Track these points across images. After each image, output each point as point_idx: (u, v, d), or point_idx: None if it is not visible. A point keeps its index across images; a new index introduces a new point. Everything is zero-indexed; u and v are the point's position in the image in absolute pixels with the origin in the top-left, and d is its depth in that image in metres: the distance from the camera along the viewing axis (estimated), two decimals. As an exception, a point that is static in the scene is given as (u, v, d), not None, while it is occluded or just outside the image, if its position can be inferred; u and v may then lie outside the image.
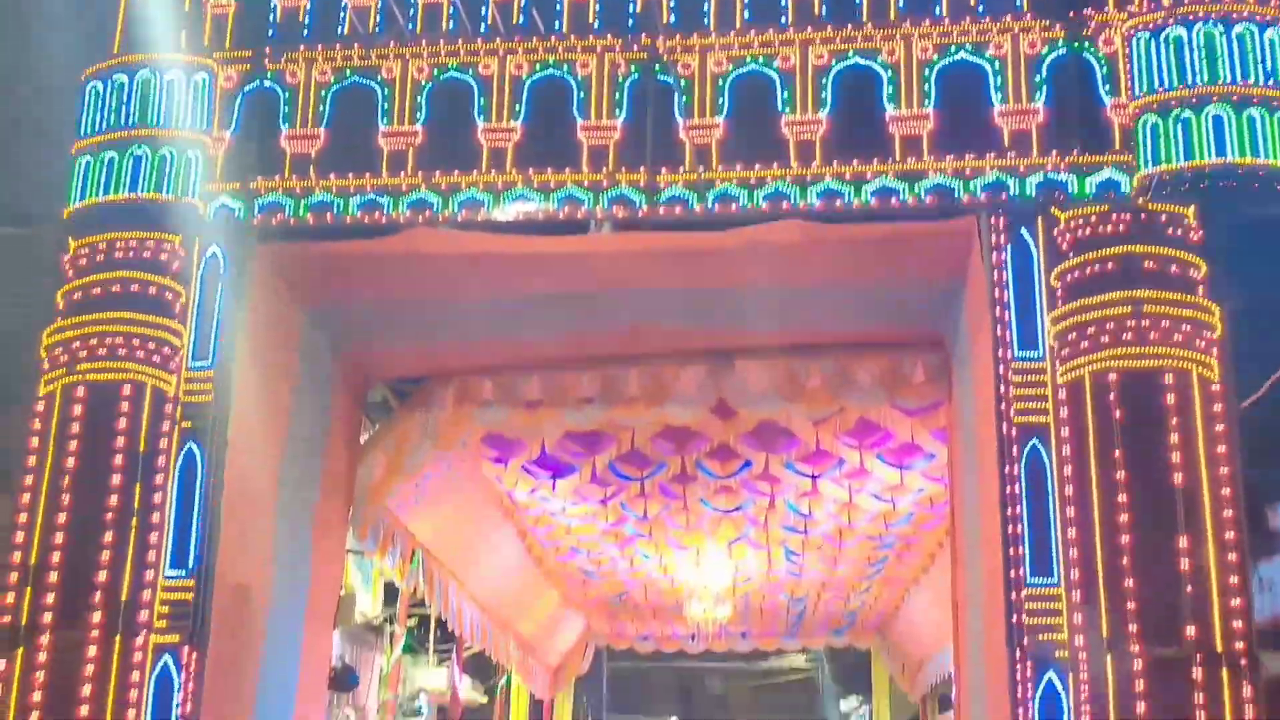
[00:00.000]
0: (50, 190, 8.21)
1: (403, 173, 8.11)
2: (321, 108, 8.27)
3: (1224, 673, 6.73)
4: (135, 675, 7.36)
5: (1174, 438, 7.08)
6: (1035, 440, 7.26)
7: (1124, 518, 6.98)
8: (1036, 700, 6.91)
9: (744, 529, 14.49)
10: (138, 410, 7.73)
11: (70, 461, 7.65)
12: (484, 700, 20.79)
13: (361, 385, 10.50)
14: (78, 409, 7.72)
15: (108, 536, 7.51)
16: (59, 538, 7.53)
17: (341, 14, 8.42)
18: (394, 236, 8.16)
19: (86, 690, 7.30)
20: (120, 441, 7.65)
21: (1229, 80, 7.28)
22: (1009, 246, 7.58)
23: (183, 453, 7.77)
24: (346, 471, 10.14)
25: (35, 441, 7.70)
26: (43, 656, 7.35)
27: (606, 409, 10.35)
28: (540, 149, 8.08)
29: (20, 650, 7.37)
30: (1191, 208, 7.36)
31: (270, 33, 8.44)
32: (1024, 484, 7.23)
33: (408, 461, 10.61)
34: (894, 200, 7.71)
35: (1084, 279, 7.35)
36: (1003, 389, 7.41)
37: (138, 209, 7.93)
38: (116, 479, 7.60)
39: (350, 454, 10.24)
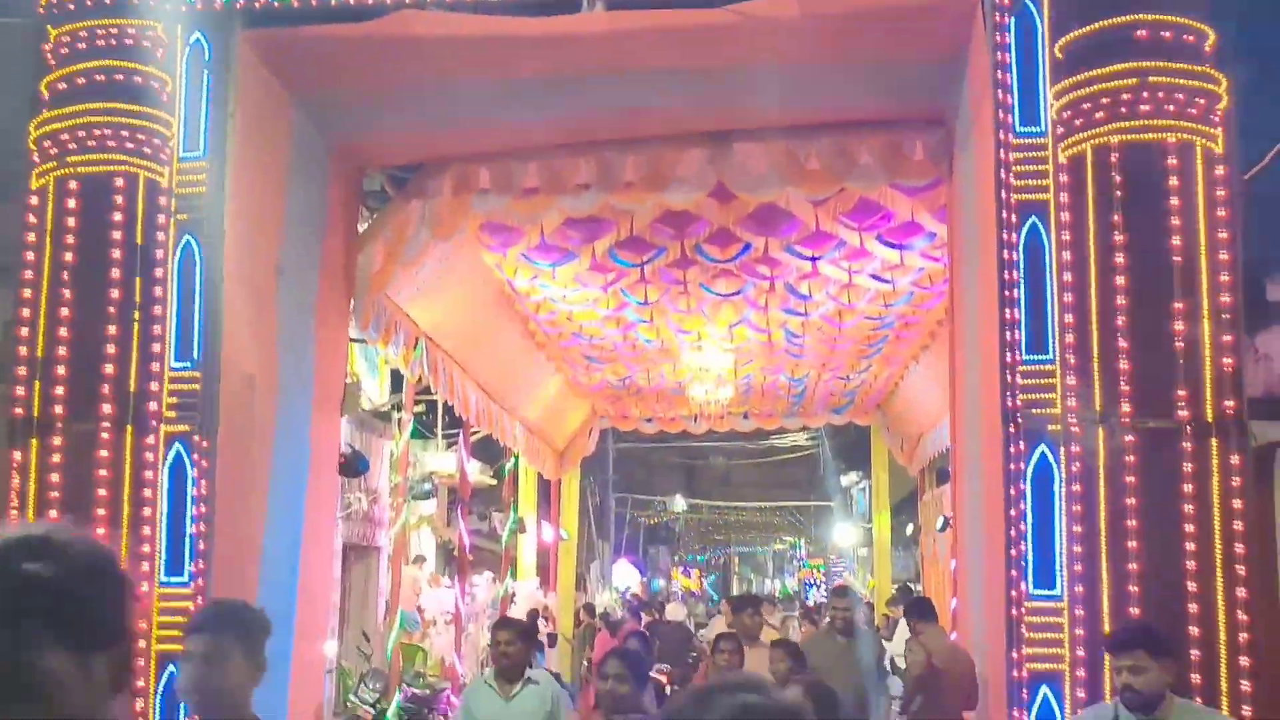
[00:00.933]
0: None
1: (389, -49, 7.84)
2: (299, -123, 7.93)
3: (1213, 442, 6.80)
4: (149, 464, 7.50)
5: (1174, 211, 6.97)
6: (1034, 217, 7.17)
7: (1120, 293, 6.94)
8: (1029, 474, 7.03)
9: (744, 312, 14.58)
10: (132, 202, 7.64)
11: (68, 255, 7.59)
12: (493, 482, 21.35)
13: (357, 173, 10.42)
14: (71, 202, 7.63)
15: (111, 329, 7.51)
16: (63, 331, 7.54)
17: None
18: (382, 19, 7.93)
19: (102, 478, 7.44)
20: (117, 234, 7.58)
21: None
22: (1013, 18, 7.33)
23: (180, 245, 7.73)
24: (345, 261, 10.15)
25: (32, 236, 7.65)
26: (57, 447, 7.46)
27: (604, 194, 10.25)
28: (529, -77, 7.79)
29: (35, 441, 7.49)
30: (1202, -29, 7.10)
31: None
32: (1023, 262, 7.17)
33: (406, 250, 10.58)
34: (895, -30, 7.45)
35: (1089, 49, 7.12)
36: (1003, 166, 7.29)
37: (115, -7, 7.69)
38: (116, 272, 7.56)
39: (349, 243, 10.23)
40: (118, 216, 7.62)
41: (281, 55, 8.40)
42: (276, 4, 7.87)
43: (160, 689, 7.39)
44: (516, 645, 7.61)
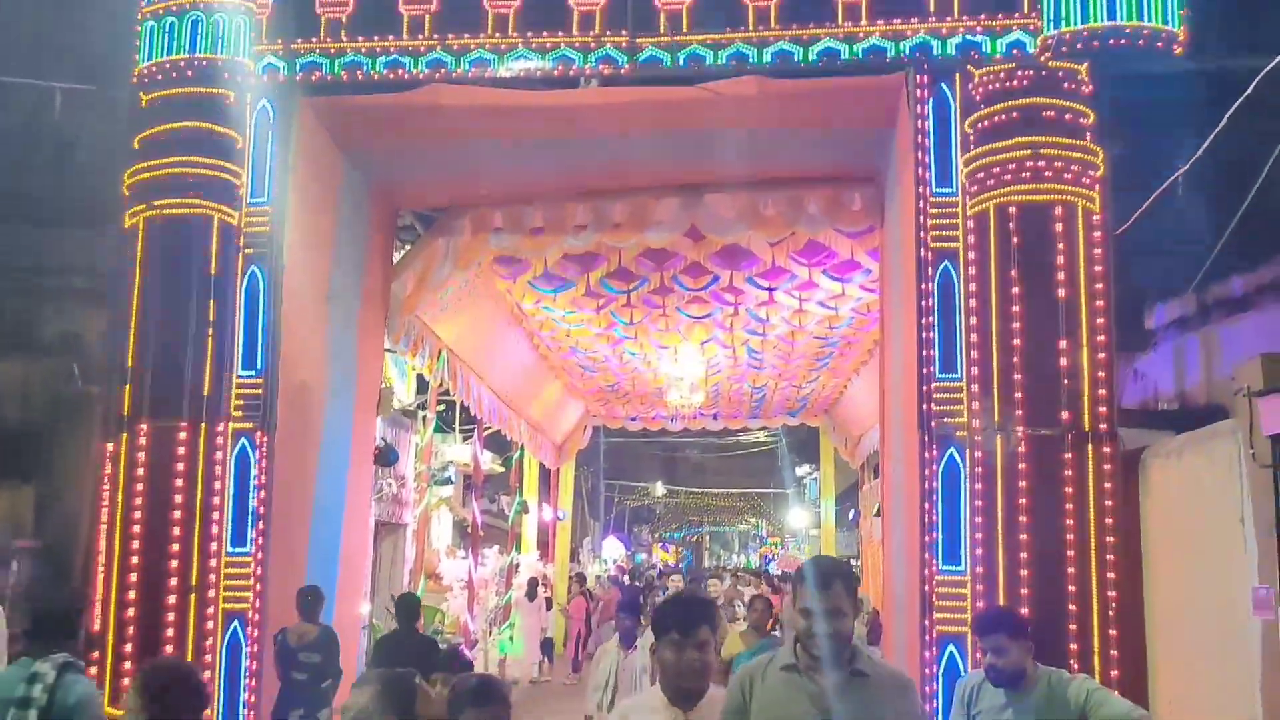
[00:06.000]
0: (123, 53, 8.10)
1: (421, 36, 8.00)
2: (351, -22, 8.11)
3: (1089, 447, 7.04)
4: (219, 455, 7.66)
5: (1060, 259, 7.20)
6: (947, 262, 7.39)
7: (1016, 325, 7.17)
8: (940, 472, 7.23)
9: (713, 331, 14.78)
10: (208, 239, 7.81)
11: (154, 283, 7.77)
12: (502, 470, 21.51)
13: (392, 214, 10.60)
14: (156, 240, 7.82)
15: (190, 343, 7.70)
16: (149, 344, 7.73)
17: (362, -108, 8.18)
18: (415, 91, 8.10)
19: (180, 468, 7.60)
20: (195, 266, 7.78)
21: (1120, -46, 7.17)
22: (931, 98, 7.56)
23: (247, 274, 7.90)
24: (382, 287, 10.33)
25: (124, 266, 7.82)
26: (143, 441, 7.63)
27: (597, 234, 10.46)
28: (537, 15, 7.93)
29: (124, 435, 7.66)
30: (1085, 65, 7.31)
31: (306, -86, 8.20)
32: (937, 297, 7.38)
33: (433, 278, 10.78)
34: (837, 59, 7.66)
35: (992, 126, 7.37)
36: (922, 218, 7.50)
37: (197, 67, 7.88)
38: (194, 296, 7.74)
39: (385, 272, 10.42)
40: (195, 251, 7.81)
41: (334, 118, 8.60)
42: (330, 78, 8.04)
43: (225, 641, 7.60)
44: None
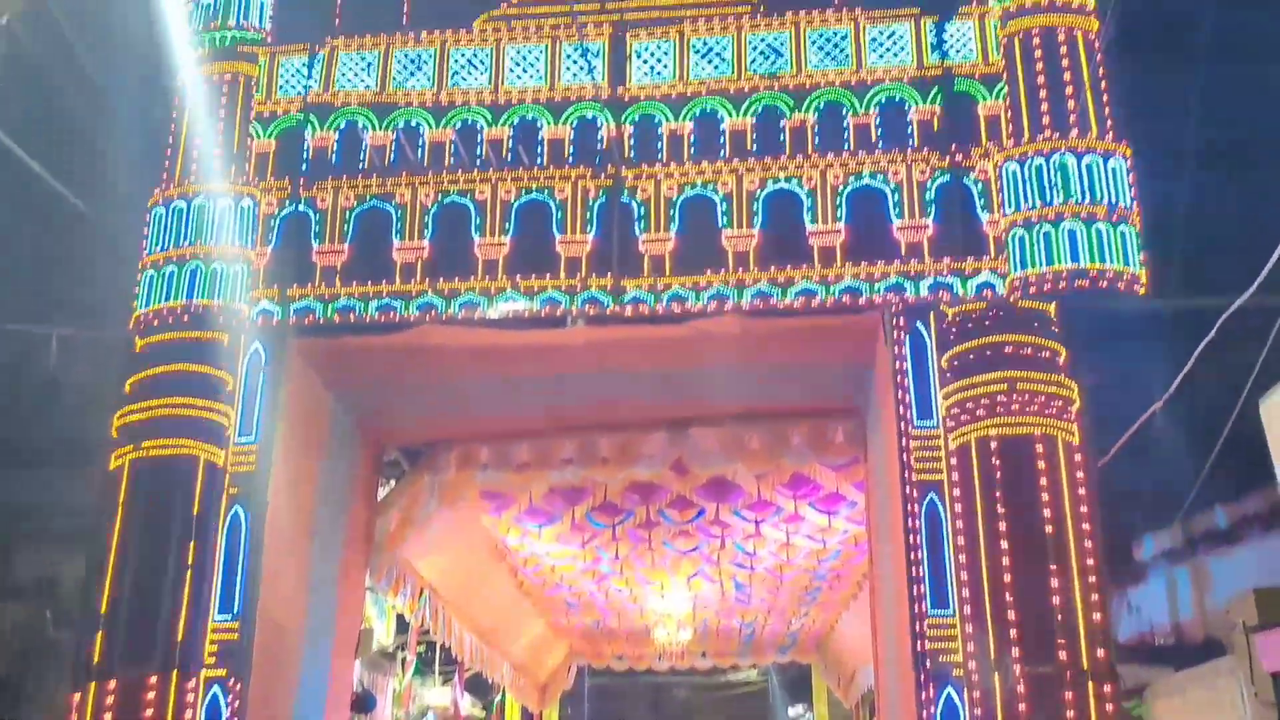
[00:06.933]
0: (121, 298, 8.33)
1: (413, 280, 8.28)
2: (346, 227, 8.44)
3: (1090, 685, 6.86)
4: (189, 714, 7.37)
5: (1044, 492, 7.26)
6: (932, 494, 7.44)
7: (1005, 559, 7.15)
8: (939, 711, 7.03)
9: (700, 565, 14.60)
10: (192, 480, 7.80)
11: (136, 525, 7.70)
12: (482, 715, 20.69)
13: (379, 451, 10.62)
14: (142, 481, 7.81)
15: (167, 588, 7.56)
16: (126, 590, 7.57)
17: (363, 150, 8.64)
18: (405, 332, 8.30)
19: (147, 717, 7.29)
20: (178, 507, 7.73)
21: (1080, 200, 7.55)
22: (907, 336, 7.80)
23: (230, 515, 7.85)
24: (366, 524, 10.23)
25: (106, 509, 7.76)
26: (110, 695, 7.35)
27: (584, 469, 10.51)
28: (526, 259, 8.24)
29: (93, 685, 7.38)
30: (1053, 304, 7.61)
31: (304, 166, 8.63)
32: (924, 531, 7.38)
33: (418, 515, 10.73)
34: (814, 299, 7.94)
35: (968, 362, 7.58)
36: (905, 452, 7.59)
37: (193, 312, 8.08)
38: (174, 539, 7.65)
39: (369, 510, 10.34)
40: (179, 493, 7.77)
41: (324, 359, 8.77)
42: (322, 320, 8.26)
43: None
44: None
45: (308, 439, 8.85)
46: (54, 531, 10.69)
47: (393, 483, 11.77)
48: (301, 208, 8.52)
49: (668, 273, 8.11)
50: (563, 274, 8.20)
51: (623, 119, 8.50)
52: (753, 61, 8.54)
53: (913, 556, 7.36)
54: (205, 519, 7.77)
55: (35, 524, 10.88)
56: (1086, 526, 7.20)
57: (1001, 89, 8.12)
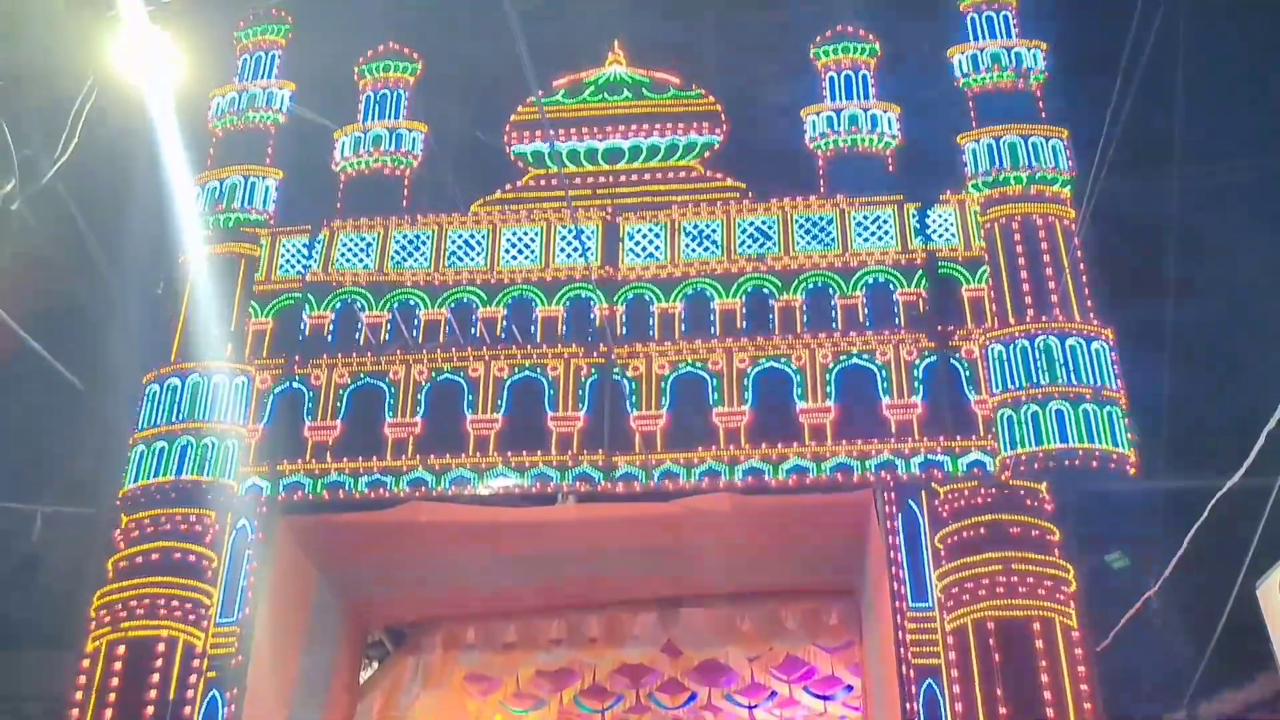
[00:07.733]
0: (111, 474, 8.29)
1: (404, 456, 8.31)
2: (339, 404, 8.52)
3: None
4: None
5: (1044, 674, 7.12)
6: (930, 680, 7.28)
7: (1007, 744, 6.95)
8: None
9: (693, 753, 14.05)
10: (169, 663, 7.63)
11: (108, 712, 7.47)
12: None
13: (363, 633, 10.40)
14: (118, 664, 7.62)
15: (137, 778, 7.27)
16: (94, 779, 7.28)
17: (358, 328, 8.80)
18: (396, 509, 8.28)
19: None
20: (152, 692, 7.52)
21: (1065, 382, 7.68)
22: (900, 514, 7.80)
23: (206, 699, 7.62)
24: (347, 709, 9.89)
25: (79, 694, 7.54)
26: None
27: (572, 650, 10.27)
28: (517, 435, 8.30)
29: None
30: (1044, 484, 7.63)
31: (299, 344, 8.77)
32: (923, 718, 7.20)
33: (401, 700, 10.38)
34: (805, 477, 7.97)
35: (962, 542, 7.55)
36: (901, 635, 7.48)
37: (181, 489, 8.04)
38: (147, 724, 7.40)
39: (350, 694, 10.02)
40: (155, 676, 7.57)
41: (311, 537, 8.67)
42: (311, 497, 8.23)
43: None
44: None
45: (291, 620, 8.67)
46: (26, 716, 10.30)
47: (375, 665, 11.44)
48: (295, 385, 8.61)
49: (659, 449, 8.16)
50: (554, 450, 8.24)
51: (615, 298, 8.70)
52: (742, 244, 8.81)
53: (913, 745, 7.12)
54: (180, 705, 7.54)
55: (9, 708, 10.50)
56: (1088, 706, 7.02)
57: (984, 273, 8.36)
